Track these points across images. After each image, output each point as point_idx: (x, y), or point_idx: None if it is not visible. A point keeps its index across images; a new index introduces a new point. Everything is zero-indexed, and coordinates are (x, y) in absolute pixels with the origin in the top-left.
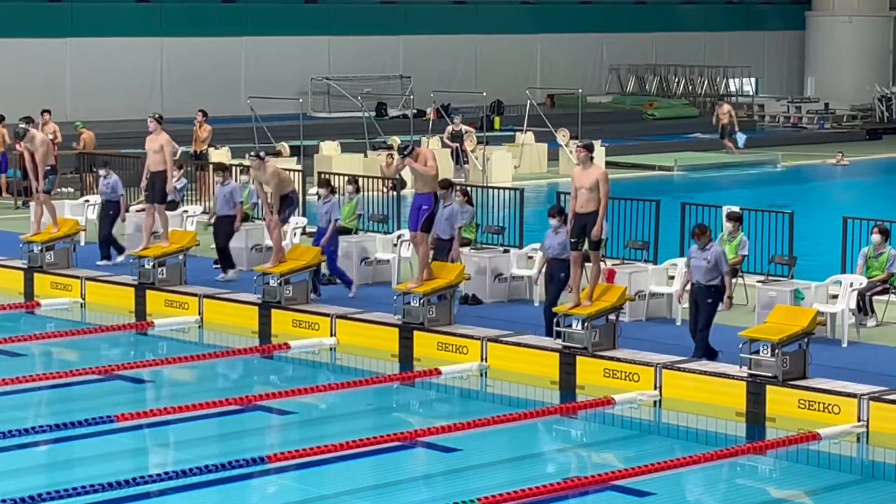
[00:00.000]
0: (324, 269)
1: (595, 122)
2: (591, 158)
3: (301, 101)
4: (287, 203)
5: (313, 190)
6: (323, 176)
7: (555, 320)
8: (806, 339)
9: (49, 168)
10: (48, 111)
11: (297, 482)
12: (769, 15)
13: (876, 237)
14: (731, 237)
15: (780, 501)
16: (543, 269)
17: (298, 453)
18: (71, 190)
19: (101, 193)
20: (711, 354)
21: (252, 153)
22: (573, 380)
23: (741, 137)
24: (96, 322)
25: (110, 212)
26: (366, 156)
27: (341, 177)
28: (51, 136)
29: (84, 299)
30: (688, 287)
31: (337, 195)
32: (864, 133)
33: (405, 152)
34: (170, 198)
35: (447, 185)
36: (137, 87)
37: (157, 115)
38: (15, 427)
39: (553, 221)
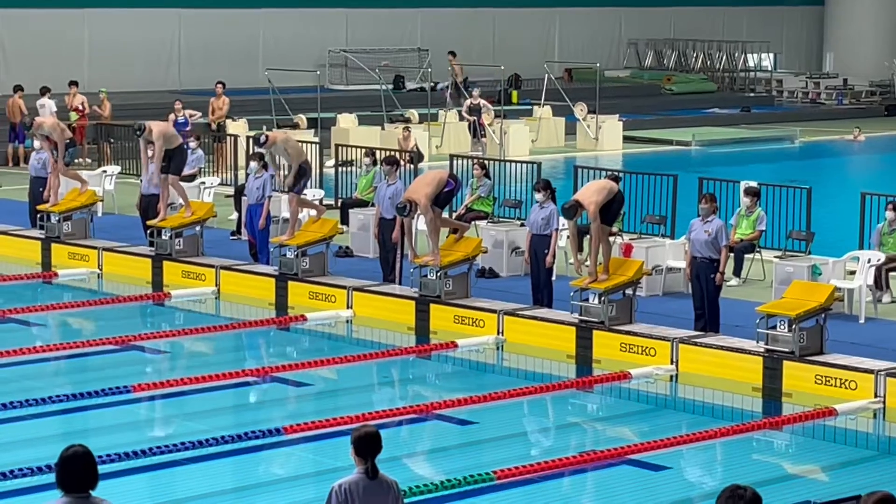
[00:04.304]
0: (340, 241)
1: (613, 97)
2: None
3: (318, 73)
4: (301, 174)
5: (330, 162)
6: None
7: (570, 294)
8: (823, 315)
9: (68, 141)
10: (76, 83)
11: (313, 454)
12: None
13: (890, 214)
14: (749, 212)
15: (796, 477)
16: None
17: (314, 425)
18: (88, 161)
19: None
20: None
21: (254, 151)
22: (589, 354)
23: (442, 85)
24: (113, 292)
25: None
26: (383, 128)
27: (359, 149)
28: (80, 108)
29: (101, 270)
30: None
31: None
32: (883, 109)
33: (404, 213)
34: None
35: (393, 161)
36: (155, 58)
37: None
38: (32, 396)
39: (539, 196)
